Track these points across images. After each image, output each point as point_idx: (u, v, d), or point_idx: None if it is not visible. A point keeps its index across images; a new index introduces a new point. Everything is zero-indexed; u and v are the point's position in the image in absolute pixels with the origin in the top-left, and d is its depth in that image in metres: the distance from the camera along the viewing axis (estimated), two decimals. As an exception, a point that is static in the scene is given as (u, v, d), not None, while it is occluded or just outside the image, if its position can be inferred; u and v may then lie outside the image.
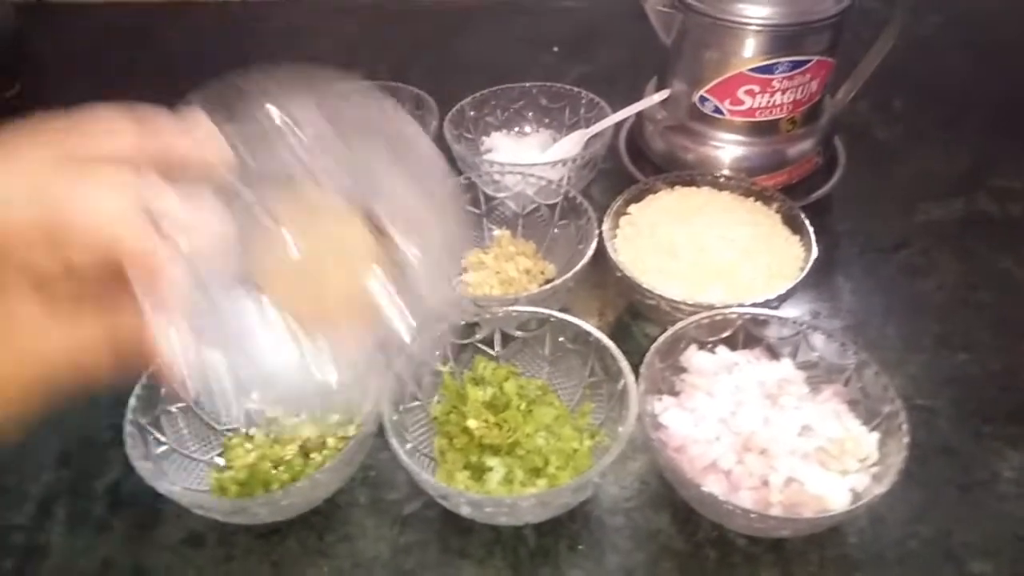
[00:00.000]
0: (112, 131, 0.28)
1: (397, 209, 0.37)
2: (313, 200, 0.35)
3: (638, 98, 0.81)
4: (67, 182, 0.25)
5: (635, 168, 0.82)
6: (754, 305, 0.60)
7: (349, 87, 0.35)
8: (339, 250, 0.36)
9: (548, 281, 0.69)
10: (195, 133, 0.30)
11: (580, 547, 0.55)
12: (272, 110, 0.35)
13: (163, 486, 0.51)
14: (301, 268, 0.35)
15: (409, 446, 0.55)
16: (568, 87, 0.87)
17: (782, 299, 0.62)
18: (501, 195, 0.76)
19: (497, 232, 0.76)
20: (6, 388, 0.26)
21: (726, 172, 0.75)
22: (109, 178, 0.26)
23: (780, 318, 0.60)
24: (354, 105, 0.36)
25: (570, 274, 0.64)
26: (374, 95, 0.35)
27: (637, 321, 0.70)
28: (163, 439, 0.56)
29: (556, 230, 0.74)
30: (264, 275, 0.34)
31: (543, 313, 0.60)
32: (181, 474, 0.56)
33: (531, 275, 0.71)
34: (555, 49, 1.09)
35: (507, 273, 0.70)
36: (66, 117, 0.28)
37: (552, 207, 0.74)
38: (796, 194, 0.75)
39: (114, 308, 0.27)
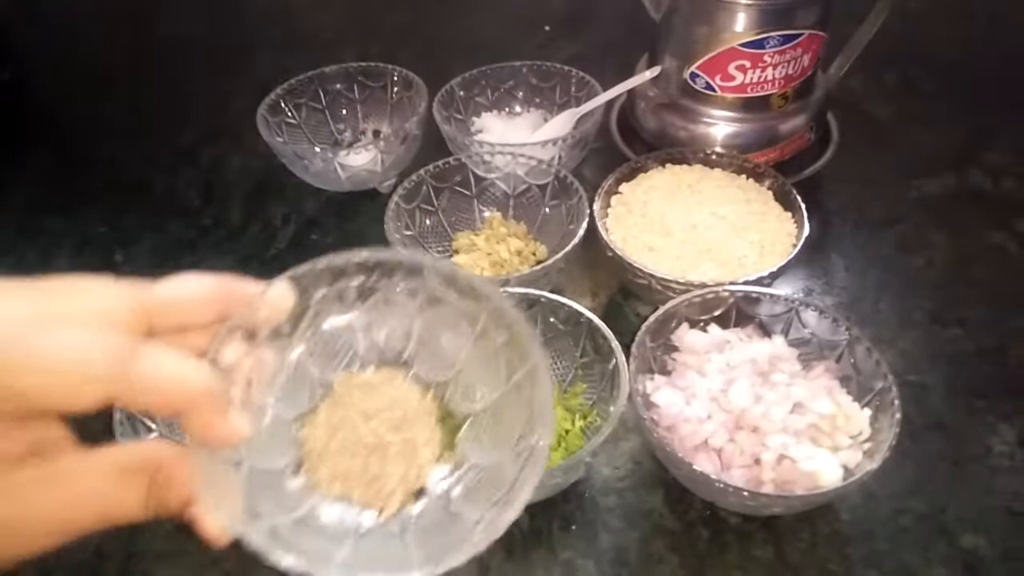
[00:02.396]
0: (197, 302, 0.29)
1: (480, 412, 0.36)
2: (388, 383, 0.36)
3: (628, 76, 0.80)
4: (126, 341, 0.26)
5: (626, 146, 0.82)
6: (746, 283, 0.60)
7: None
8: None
9: (540, 262, 0.68)
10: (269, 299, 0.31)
11: (573, 527, 0.55)
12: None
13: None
14: (352, 448, 0.34)
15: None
16: (558, 66, 0.86)
17: (774, 276, 0.61)
18: (491, 176, 0.75)
19: (488, 214, 0.75)
20: (42, 535, 0.27)
21: (718, 149, 0.75)
22: (184, 353, 0.27)
23: (772, 295, 0.59)
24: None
25: (561, 255, 0.63)
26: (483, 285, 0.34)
27: (629, 300, 0.70)
28: (153, 427, 0.55)
29: (547, 210, 0.73)
30: (311, 449, 0.34)
31: (534, 294, 0.60)
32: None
33: (523, 256, 0.71)
34: (546, 28, 1.08)
35: (498, 255, 0.70)
36: (146, 284, 0.28)
37: (543, 187, 0.73)
38: (788, 170, 0.74)
39: (161, 463, 0.28)
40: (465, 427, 0.36)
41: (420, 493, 0.34)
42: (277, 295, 0.31)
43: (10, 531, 0.26)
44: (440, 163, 0.73)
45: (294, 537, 0.31)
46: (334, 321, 0.34)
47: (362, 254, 0.32)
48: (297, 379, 0.34)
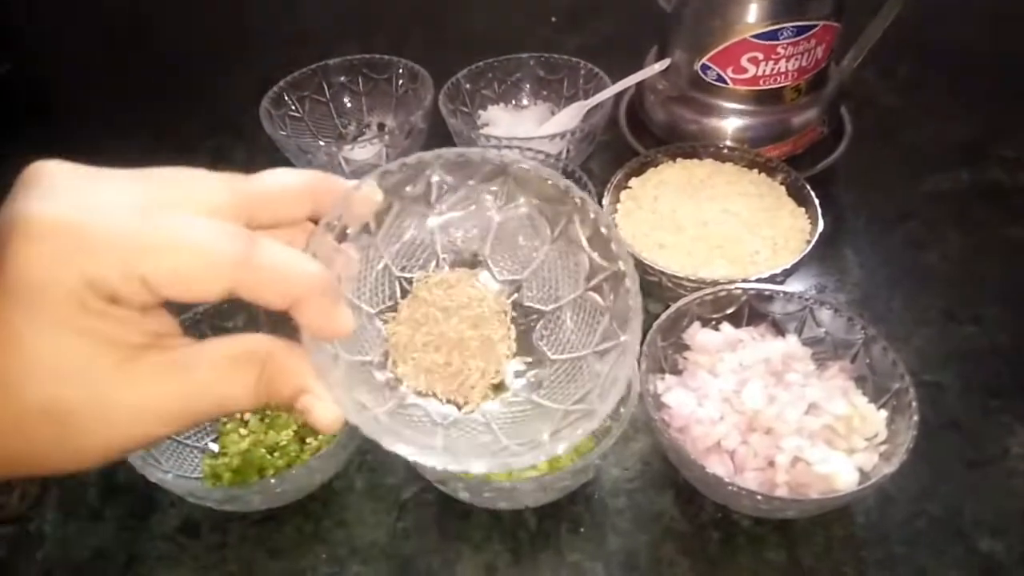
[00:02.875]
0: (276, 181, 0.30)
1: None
2: (463, 279, 0.37)
3: (637, 68, 0.79)
4: (246, 236, 0.26)
5: (635, 140, 0.80)
6: (759, 280, 0.58)
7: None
8: (477, 334, 0.36)
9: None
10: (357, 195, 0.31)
11: (581, 530, 0.54)
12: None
13: (155, 474, 0.49)
14: (435, 343, 0.36)
15: (406, 430, 0.53)
16: (566, 58, 0.84)
17: (787, 274, 0.60)
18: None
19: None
20: (159, 424, 0.27)
21: (729, 143, 0.73)
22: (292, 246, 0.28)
23: (785, 293, 0.58)
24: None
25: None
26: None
27: (638, 298, 0.68)
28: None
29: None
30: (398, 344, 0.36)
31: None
32: (174, 461, 0.54)
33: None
34: (553, 19, 1.06)
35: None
36: (244, 177, 0.29)
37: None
38: (801, 165, 0.73)
39: (270, 355, 0.28)
40: (539, 326, 0.37)
41: (498, 388, 0.36)
42: (368, 192, 0.31)
43: (129, 419, 0.26)
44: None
45: (392, 427, 0.32)
46: (416, 219, 0.35)
47: (448, 153, 0.32)
48: (380, 276, 0.36)
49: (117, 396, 0.26)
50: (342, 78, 0.86)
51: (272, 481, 0.52)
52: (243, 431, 0.58)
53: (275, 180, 0.29)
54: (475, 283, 0.37)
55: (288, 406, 0.29)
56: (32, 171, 0.26)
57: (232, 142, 0.89)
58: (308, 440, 0.57)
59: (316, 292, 0.27)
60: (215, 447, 0.57)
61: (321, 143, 0.79)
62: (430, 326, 0.36)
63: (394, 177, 0.32)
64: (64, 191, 0.25)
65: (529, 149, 0.72)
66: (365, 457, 0.58)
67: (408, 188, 0.33)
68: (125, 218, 0.25)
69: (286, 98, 0.82)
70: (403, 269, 0.36)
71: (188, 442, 0.56)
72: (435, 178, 0.34)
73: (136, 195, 0.26)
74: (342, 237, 0.31)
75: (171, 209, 0.26)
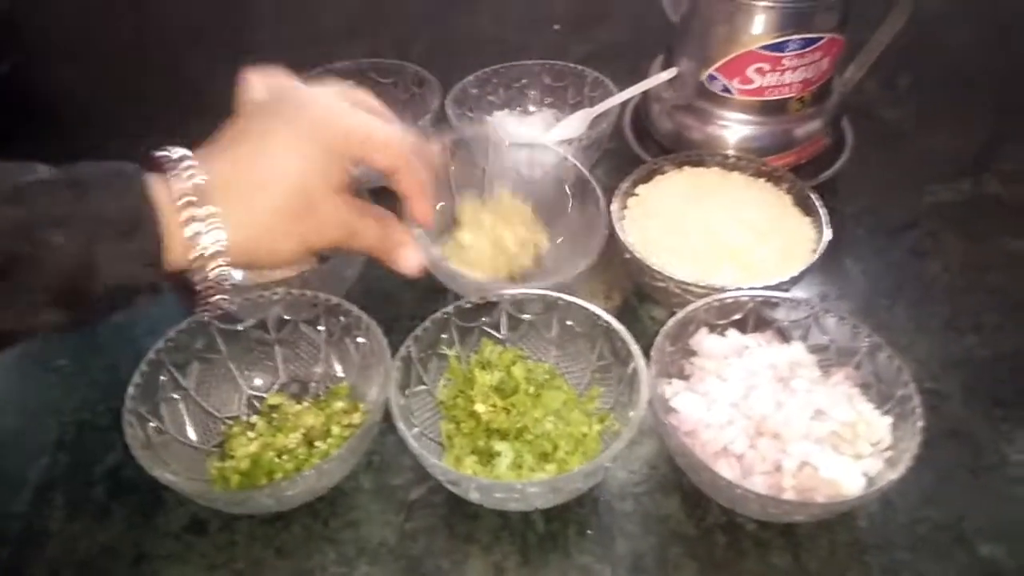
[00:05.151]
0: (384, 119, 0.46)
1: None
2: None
3: (642, 76, 0.80)
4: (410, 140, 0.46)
5: (641, 148, 0.81)
6: (765, 288, 0.59)
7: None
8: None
9: (538, 257, 0.67)
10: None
11: (589, 532, 0.54)
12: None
13: (164, 476, 0.49)
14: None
15: (416, 431, 0.54)
16: (572, 65, 0.85)
17: (793, 281, 0.61)
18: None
19: (499, 188, 0.69)
20: (323, 230, 0.42)
21: (735, 152, 0.74)
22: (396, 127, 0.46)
23: (791, 300, 0.59)
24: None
25: (583, 267, 0.62)
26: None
27: (644, 304, 0.69)
28: (163, 428, 0.55)
29: (568, 211, 0.72)
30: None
31: (551, 296, 0.59)
32: (182, 463, 0.54)
33: (524, 246, 0.67)
34: (556, 27, 1.07)
35: (503, 242, 0.66)
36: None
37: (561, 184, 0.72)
38: (804, 175, 0.74)
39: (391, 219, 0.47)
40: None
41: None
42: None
43: (323, 222, 0.42)
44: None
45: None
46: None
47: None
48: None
49: (328, 205, 0.42)
50: (349, 81, 0.86)
51: (283, 484, 0.52)
52: (251, 434, 0.58)
53: (406, 137, 0.46)
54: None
55: (391, 256, 0.46)
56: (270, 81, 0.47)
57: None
58: (316, 444, 0.57)
59: (430, 187, 0.47)
60: (222, 450, 0.57)
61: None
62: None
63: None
64: (316, 94, 0.44)
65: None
66: (373, 457, 0.58)
67: None
68: (357, 115, 0.44)
69: (293, 100, 0.83)
70: None
71: (197, 444, 0.57)
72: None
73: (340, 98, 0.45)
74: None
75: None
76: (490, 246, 0.66)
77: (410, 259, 0.46)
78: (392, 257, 0.46)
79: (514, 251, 0.66)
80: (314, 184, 0.41)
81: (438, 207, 0.58)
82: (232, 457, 0.56)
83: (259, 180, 0.39)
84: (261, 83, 0.45)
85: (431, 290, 0.68)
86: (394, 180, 0.45)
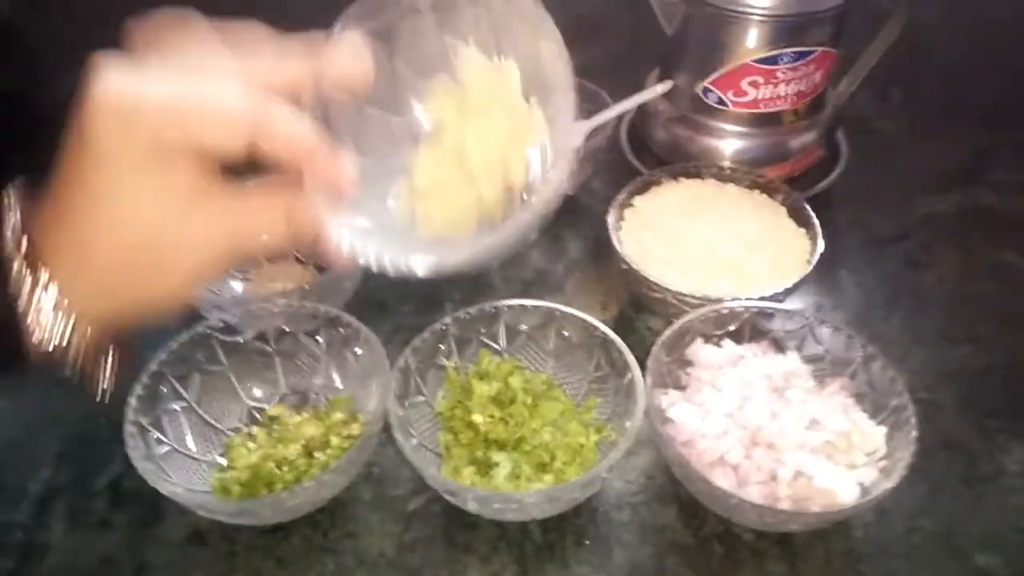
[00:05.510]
0: (276, 54, 0.35)
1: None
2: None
3: (638, 89, 0.80)
4: (259, 95, 0.32)
5: (637, 160, 0.82)
6: (760, 298, 0.60)
7: None
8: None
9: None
10: (341, 53, 0.36)
11: (586, 542, 0.54)
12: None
13: (165, 487, 0.50)
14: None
15: (415, 442, 0.54)
16: (568, 78, 0.86)
17: (788, 292, 0.62)
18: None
19: (463, 50, 0.39)
20: (195, 259, 0.34)
21: (730, 164, 0.75)
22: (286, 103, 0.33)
23: (786, 311, 0.59)
24: None
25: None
26: None
27: (640, 314, 0.70)
28: (164, 439, 0.55)
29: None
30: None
31: (548, 307, 0.60)
32: (183, 474, 0.55)
33: (516, 148, 0.40)
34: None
35: (476, 152, 0.39)
36: (224, 28, 0.35)
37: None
38: (798, 186, 0.75)
39: (292, 189, 0.34)
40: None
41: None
42: (352, 44, 0.36)
43: (196, 245, 0.34)
44: None
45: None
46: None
47: None
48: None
49: (186, 227, 0.33)
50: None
51: (283, 495, 0.52)
52: (251, 445, 0.58)
53: (277, 57, 0.35)
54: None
55: (310, 236, 0.35)
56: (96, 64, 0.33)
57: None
58: (316, 454, 0.57)
59: (317, 150, 0.33)
60: (223, 461, 0.58)
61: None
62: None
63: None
64: (116, 68, 0.32)
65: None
66: (372, 468, 0.58)
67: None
68: (169, 85, 0.32)
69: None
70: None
71: (197, 456, 0.57)
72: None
73: (175, 66, 0.33)
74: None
75: (203, 75, 0.33)
76: (457, 169, 0.39)
77: (330, 245, 0.35)
78: (311, 246, 0.35)
79: (498, 167, 0.39)
80: (150, 220, 0.32)
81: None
82: (233, 468, 0.56)
83: (83, 239, 0.33)
84: (114, 71, 0.32)
85: (429, 301, 0.69)
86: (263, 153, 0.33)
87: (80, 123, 0.31)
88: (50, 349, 0.33)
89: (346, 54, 0.35)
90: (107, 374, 0.36)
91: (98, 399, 0.37)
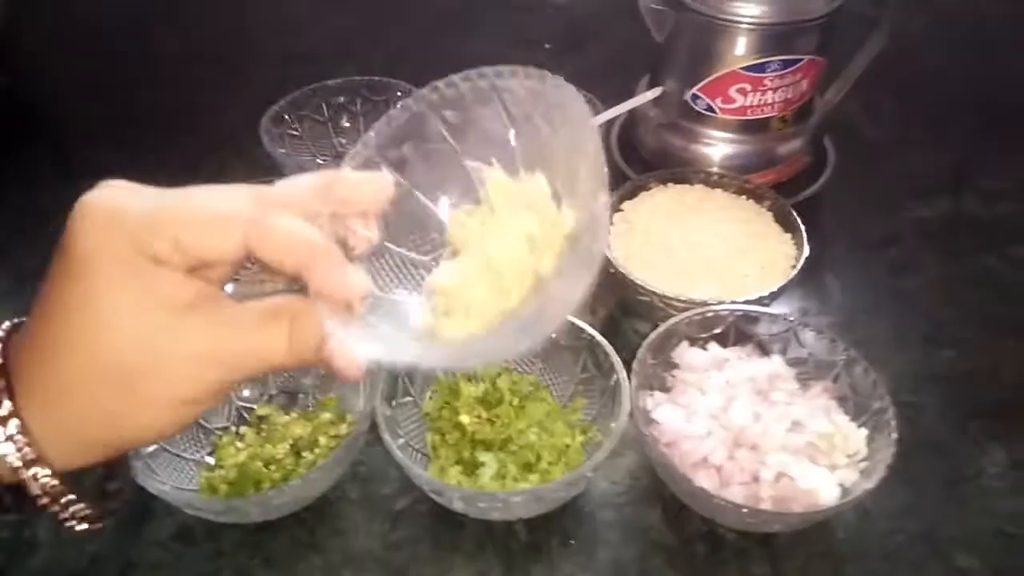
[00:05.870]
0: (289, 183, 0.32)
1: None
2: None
3: (629, 96, 0.81)
4: (259, 203, 0.30)
5: (627, 165, 0.83)
6: (746, 302, 0.60)
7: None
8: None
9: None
10: (363, 186, 0.33)
11: (571, 542, 0.55)
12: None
13: (153, 485, 0.50)
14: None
15: (401, 441, 0.55)
16: (560, 84, 0.87)
17: (773, 296, 0.62)
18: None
19: (487, 172, 0.37)
20: (180, 388, 0.30)
21: (719, 170, 0.76)
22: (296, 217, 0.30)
23: (771, 315, 0.60)
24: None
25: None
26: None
27: (627, 317, 0.70)
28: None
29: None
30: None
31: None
32: (171, 472, 0.55)
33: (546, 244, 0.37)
34: (547, 46, 1.09)
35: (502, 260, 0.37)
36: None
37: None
38: (785, 192, 0.76)
39: (293, 307, 0.31)
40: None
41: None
42: (379, 180, 0.33)
43: (183, 372, 0.29)
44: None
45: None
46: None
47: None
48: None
49: (171, 349, 0.29)
50: (341, 98, 0.88)
51: (269, 493, 0.53)
52: (240, 444, 0.59)
53: (290, 183, 0.32)
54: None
55: (318, 358, 0.31)
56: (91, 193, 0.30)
57: (233, 159, 0.91)
58: (304, 454, 0.58)
59: (321, 255, 0.30)
60: (212, 460, 0.58)
61: (320, 161, 0.81)
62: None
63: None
64: (113, 186, 0.30)
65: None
66: (359, 467, 0.59)
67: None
68: (159, 196, 0.29)
69: (286, 117, 0.84)
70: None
71: (185, 455, 0.57)
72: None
73: (170, 191, 0.30)
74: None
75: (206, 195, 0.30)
76: (484, 277, 0.38)
77: (340, 360, 0.31)
78: (315, 364, 0.32)
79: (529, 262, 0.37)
80: (130, 338, 0.29)
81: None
82: (220, 467, 0.57)
83: (55, 365, 0.29)
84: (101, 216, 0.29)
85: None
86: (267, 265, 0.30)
87: (64, 232, 0.28)
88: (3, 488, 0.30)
89: (369, 189, 0.33)
90: (83, 514, 0.31)
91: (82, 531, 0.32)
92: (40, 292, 0.30)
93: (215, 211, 0.29)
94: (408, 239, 0.37)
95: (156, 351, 0.29)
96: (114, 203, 0.29)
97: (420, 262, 0.38)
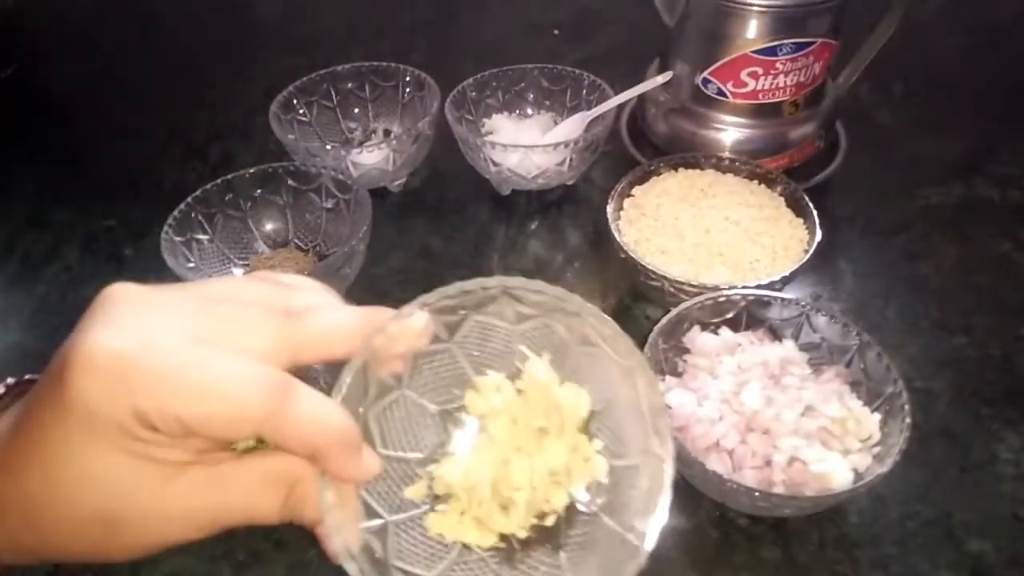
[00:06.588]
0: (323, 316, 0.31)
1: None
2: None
3: (639, 80, 0.81)
4: (279, 382, 0.28)
5: (637, 150, 0.82)
6: (758, 287, 0.60)
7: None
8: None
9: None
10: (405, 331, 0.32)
11: (583, 526, 0.55)
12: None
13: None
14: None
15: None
16: (569, 69, 0.86)
17: (785, 281, 0.62)
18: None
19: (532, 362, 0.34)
20: (192, 529, 0.29)
21: (730, 155, 0.75)
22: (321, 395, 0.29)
23: (783, 299, 0.60)
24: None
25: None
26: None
27: (638, 303, 0.70)
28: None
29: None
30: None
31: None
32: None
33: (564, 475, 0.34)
34: (556, 32, 1.08)
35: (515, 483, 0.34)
36: (297, 314, 0.30)
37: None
38: (797, 177, 0.75)
39: (293, 469, 0.30)
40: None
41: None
42: (419, 326, 0.32)
43: (168, 528, 0.29)
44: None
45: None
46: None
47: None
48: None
49: (159, 507, 0.28)
50: (349, 84, 0.88)
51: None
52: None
53: (325, 322, 0.30)
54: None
55: (312, 529, 0.31)
56: (104, 296, 0.28)
57: (241, 145, 0.91)
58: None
59: (337, 444, 0.28)
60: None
61: (328, 147, 0.81)
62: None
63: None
64: (124, 321, 0.27)
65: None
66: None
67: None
68: (172, 356, 0.27)
69: (294, 103, 0.84)
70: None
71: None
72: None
73: (188, 328, 0.28)
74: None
75: (218, 347, 0.28)
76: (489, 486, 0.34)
77: (331, 545, 0.29)
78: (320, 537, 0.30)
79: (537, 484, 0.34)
80: (117, 497, 0.28)
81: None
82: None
83: (30, 507, 0.28)
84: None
85: (430, 289, 0.69)
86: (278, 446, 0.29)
87: (60, 369, 0.26)
88: None
89: (411, 334, 0.32)
90: None
91: None
92: (26, 412, 0.28)
93: (228, 394, 0.27)
94: (432, 393, 0.35)
95: (143, 509, 0.28)
96: (122, 361, 0.26)
97: (432, 426, 0.35)
